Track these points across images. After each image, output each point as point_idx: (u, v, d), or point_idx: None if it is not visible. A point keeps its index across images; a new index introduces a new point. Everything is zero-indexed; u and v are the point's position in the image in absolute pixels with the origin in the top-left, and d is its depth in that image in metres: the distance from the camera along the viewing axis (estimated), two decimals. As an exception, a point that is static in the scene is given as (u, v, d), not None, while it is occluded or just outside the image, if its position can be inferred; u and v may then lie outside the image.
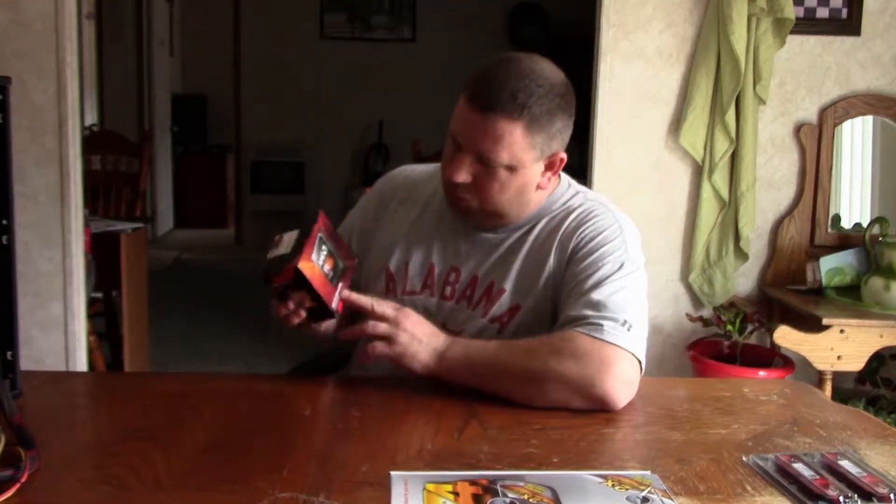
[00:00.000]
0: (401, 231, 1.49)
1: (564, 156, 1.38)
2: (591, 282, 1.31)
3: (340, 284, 1.29)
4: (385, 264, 1.47)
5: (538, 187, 1.39)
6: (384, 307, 1.28)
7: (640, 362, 1.26)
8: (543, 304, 1.37)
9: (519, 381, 1.24)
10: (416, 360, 1.27)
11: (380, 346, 1.27)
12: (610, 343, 1.23)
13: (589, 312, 1.27)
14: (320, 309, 1.27)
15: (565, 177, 1.48)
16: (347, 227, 1.56)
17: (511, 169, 1.32)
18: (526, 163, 1.32)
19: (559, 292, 1.36)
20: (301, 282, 1.23)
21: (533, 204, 1.41)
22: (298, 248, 1.24)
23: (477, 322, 1.39)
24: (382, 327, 1.27)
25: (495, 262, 1.41)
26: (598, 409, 1.22)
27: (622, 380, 1.22)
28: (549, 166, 1.37)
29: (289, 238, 1.28)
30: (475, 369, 1.26)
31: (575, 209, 1.42)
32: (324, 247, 1.28)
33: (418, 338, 1.27)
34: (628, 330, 1.25)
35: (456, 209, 1.41)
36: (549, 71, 1.33)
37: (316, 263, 1.25)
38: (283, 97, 7.18)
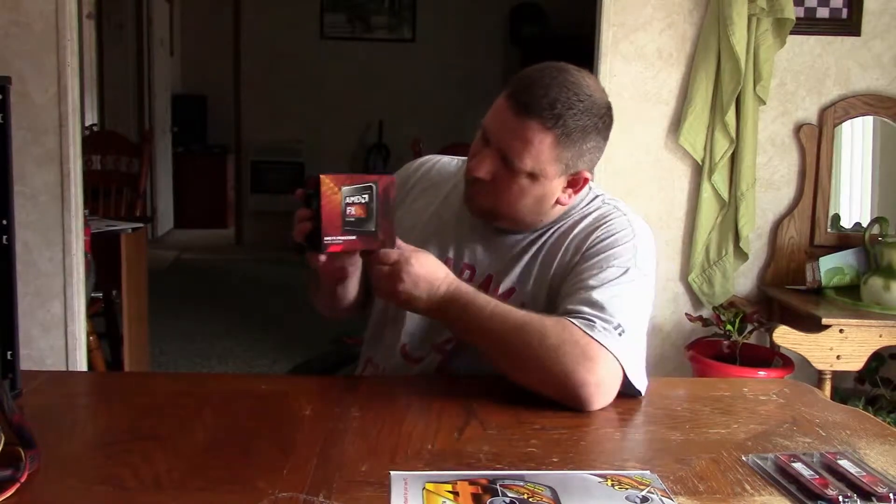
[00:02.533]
0: (419, 220, 1.49)
1: (589, 176, 1.37)
2: (593, 281, 1.29)
3: (354, 237, 1.23)
4: None
5: (557, 202, 1.37)
6: (393, 252, 1.27)
7: (623, 370, 1.23)
8: (546, 305, 1.36)
9: (502, 352, 1.25)
10: (412, 306, 1.29)
11: (384, 284, 1.27)
12: (597, 342, 1.21)
13: (585, 309, 1.25)
14: (316, 236, 1.23)
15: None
16: None
17: (532, 177, 1.31)
18: (548, 174, 1.31)
19: (559, 289, 1.35)
20: (318, 195, 1.21)
21: (549, 215, 1.39)
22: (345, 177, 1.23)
23: None
24: (387, 269, 1.26)
25: (510, 263, 1.40)
26: (569, 405, 1.20)
27: (598, 381, 1.20)
28: (572, 183, 1.36)
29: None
30: (468, 329, 1.28)
31: (591, 213, 1.40)
32: (365, 196, 1.23)
33: (420, 284, 1.26)
34: (620, 335, 1.23)
35: (469, 205, 1.39)
36: (593, 88, 1.32)
37: (341, 193, 1.21)
38: (283, 97, 7.19)
